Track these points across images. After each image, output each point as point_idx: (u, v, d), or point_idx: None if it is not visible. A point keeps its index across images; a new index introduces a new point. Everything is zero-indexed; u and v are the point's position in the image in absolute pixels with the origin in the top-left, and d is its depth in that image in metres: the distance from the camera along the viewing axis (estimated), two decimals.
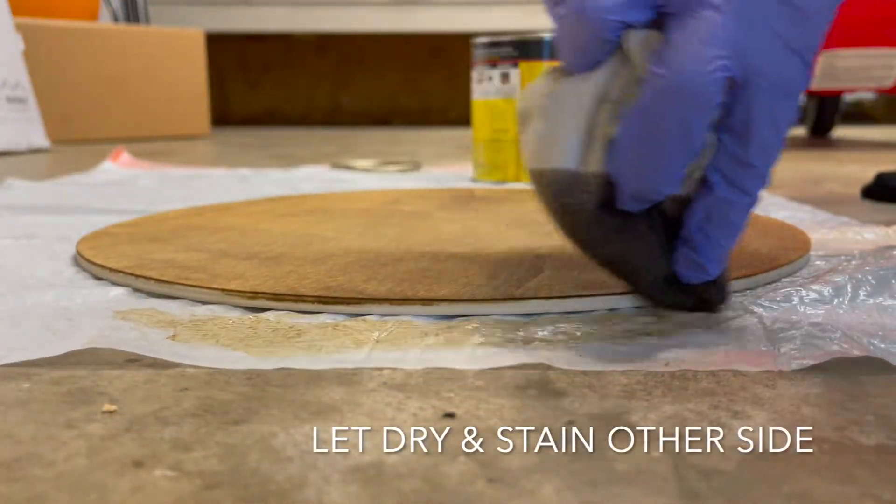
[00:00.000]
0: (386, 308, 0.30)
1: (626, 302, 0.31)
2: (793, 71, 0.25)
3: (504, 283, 0.32)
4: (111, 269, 0.36)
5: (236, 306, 0.32)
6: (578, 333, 0.28)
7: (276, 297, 0.31)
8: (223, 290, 0.32)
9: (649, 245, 0.27)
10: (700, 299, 0.29)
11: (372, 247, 0.40)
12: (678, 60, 0.24)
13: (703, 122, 0.24)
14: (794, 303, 0.31)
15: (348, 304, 0.30)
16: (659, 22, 0.25)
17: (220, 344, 0.27)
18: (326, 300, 0.31)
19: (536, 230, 0.45)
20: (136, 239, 0.44)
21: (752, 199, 0.26)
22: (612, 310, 0.30)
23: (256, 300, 0.31)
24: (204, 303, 0.32)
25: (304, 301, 0.31)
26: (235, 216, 0.52)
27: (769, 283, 0.35)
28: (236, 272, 0.35)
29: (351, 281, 0.33)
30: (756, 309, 0.30)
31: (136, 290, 0.34)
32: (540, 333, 0.28)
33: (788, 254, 0.38)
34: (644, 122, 0.25)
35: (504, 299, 0.30)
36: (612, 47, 0.26)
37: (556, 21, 0.26)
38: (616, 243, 0.27)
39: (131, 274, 0.35)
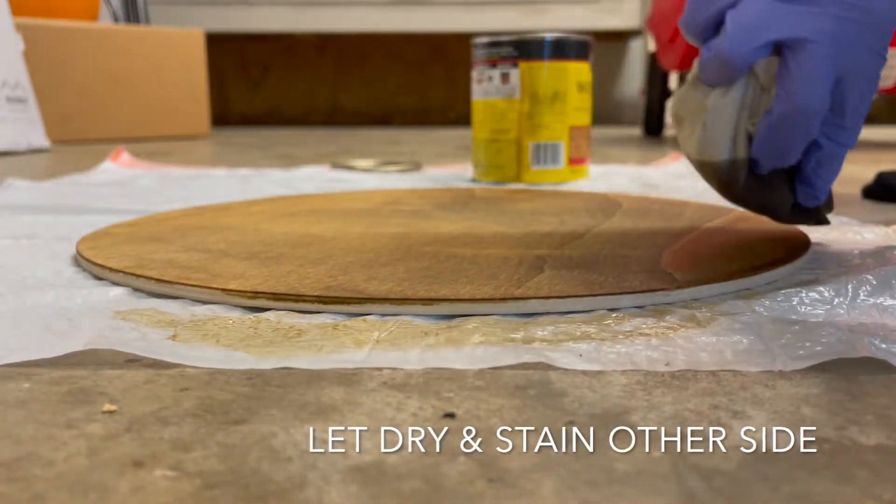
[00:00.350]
0: (386, 308, 0.30)
1: (626, 302, 0.31)
2: (873, 66, 0.34)
3: (504, 283, 0.32)
4: (111, 269, 0.36)
5: (236, 306, 0.32)
6: (578, 333, 0.28)
7: (277, 296, 0.31)
8: (223, 289, 0.32)
9: (781, 191, 0.39)
10: (816, 218, 0.40)
11: (372, 247, 0.40)
12: (797, 86, 0.34)
13: (817, 123, 0.34)
14: (794, 303, 0.31)
15: (348, 303, 0.30)
16: (776, 49, 0.35)
17: (220, 344, 0.27)
18: (326, 300, 0.31)
19: (536, 230, 0.45)
20: (136, 239, 0.44)
21: (847, 148, 0.36)
22: (611, 310, 0.30)
23: (257, 300, 0.31)
24: (204, 303, 0.32)
25: (304, 301, 0.31)
26: (235, 216, 0.52)
27: (769, 283, 0.35)
28: (236, 272, 0.35)
29: (351, 281, 0.33)
30: (756, 309, 0.30)
31: (137, 289, 0.34)
32: (540, 333, 0.28)
33: (788, 254, 0.38)
34: (777, 130, 0.35)
35: (504, 299, 0.30)
36: (743, 73, 0.36)
37: (704, 63, 0.36)
38: (761, 195, 0.39)
39: (131, 274, 0.35)
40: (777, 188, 0.39)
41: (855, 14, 0.33)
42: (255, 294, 0.31)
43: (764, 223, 0.48)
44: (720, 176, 0.39)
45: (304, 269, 0.35)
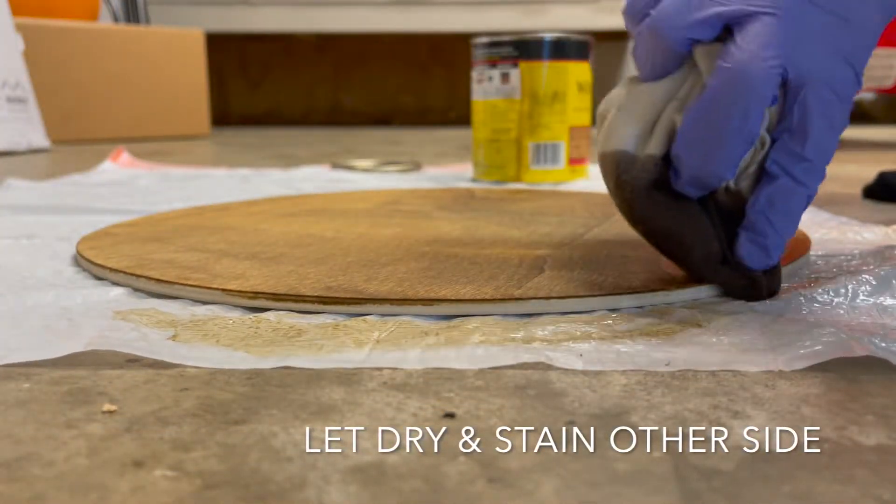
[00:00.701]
0: (387, 308, 0.30)
1: (626, 302, 0.31)
2: (844, 76, 0.28)
3: (504, 283, 0.32)
4: (111, 269, 0.36)
5: (237, 306, 0.32)
6: (578, 333, 0.28)
7: (277, 297, 0.31)
8: (223, 290, 0.32)
9: (701, 225, 0.30)
10: (752, 283, 0.31)
11: (372, 247, 0.40)
12: (741, 56, 0.27)
13: (759, 110, 0.28)
14: (794, 303, 0.31)
15: (349, 304, 0.30)
16: (723, 38, 0.29)
17: (220, 344, 0.27)
18: (327, 300, 0.31)
19: (536, 230, 0.45)
20: (136, 239, 0.44)
21: (810, 191, 0.29)
22: (612, 310, 0.30)
23: (257, 300, 0.31)
24: (204, 303, 0.32)
25: (304, 301, 0.31)
26: (235, 216, 0.52)
27: None
28: (237, 272, 0.35)
29: (351, 281, 0.33)
30: (756, 309, 0.30)
31: (137, 289, 0.34)
32: (540, 333, 0.28)
33: (789, 254, 0.38)
34: (708, 108, 0.28)
35: (504, 299, 0.30)
36: (682, 61, 0.30)
37: (636, 38, 0.30)
38: (666, 220, 0.30)
39: (132, 274, 0.35)
40: (697, 219, 0.30)
41: (829, 8, 0.27)
42: (256, 294, 0.31)
43: None
44: (615, 172, 0.31)
45: (304, 269, 0.35)
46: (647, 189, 0.30)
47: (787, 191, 0.29)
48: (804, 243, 0.41)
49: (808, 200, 0.29)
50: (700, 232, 0.30)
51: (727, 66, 0.27)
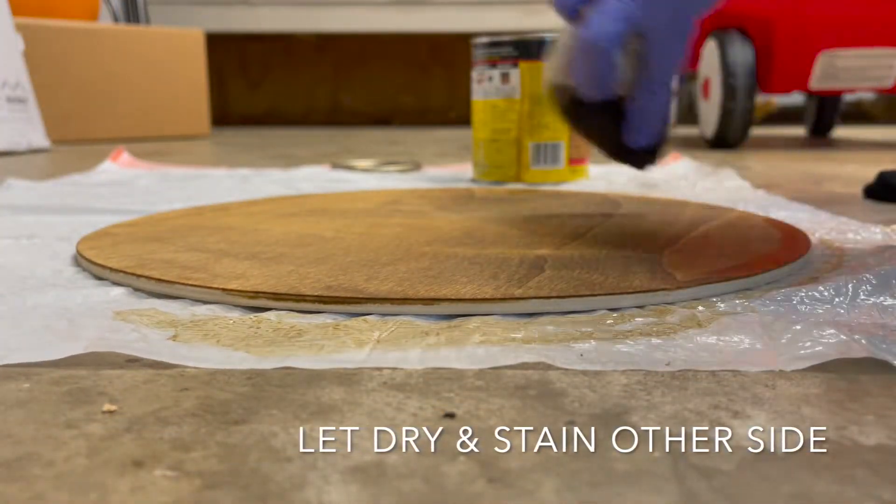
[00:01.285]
0: (387, 308, 0.30)
1: (626, 301, 0.31)
2: (679, 22, 0.39)
3: (505, 283, 0.32)
4: (112, 269, 0.36)
5: (237, 306, 0.32)
6: (579, 333, 0.28)
7: (277, 296, 0.31)
8: (224, 289, 0.32)
9: (606, 125, 0.42)
10: (642, 161, 0.43)
11: (372, 247, 0.40)
12: (588, 28, 0.38)
13: (608, 64, 0.38)
14: (794, 303, 0.31)
15: (349, 303, 0.30)
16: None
17: (221, 344, 0.27)
18: (327, 300, 0.31)
19: (537, 230, 0.45)
20: (136, 239, 0.44)
21: (663, 99, 0.41)
22: (612, 309, 0.30)
23: (257, 300, 0.31)
24: (205, 302, 0.32)
25: (304, 301, 0.31)
26: (236, 216, 0.52)
27: (769, 283, 0.35)
28: (237, 272, 0.35)
29: (351, 280, 0.33)
30: (757, 308, 0.30)
31: (137, 289, 0.34)
32: (540, 333, 0.28)
33: (789, 254, 0.38)
34: (578, 52, 0.39)
35: (505, 299, 0.30)
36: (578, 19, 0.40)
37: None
38: (584, 125, 0.44)
39: (132, 273, 0.35)
40: (603, 120, 0.43)
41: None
42: (256, 294, 0.31)
43: (764, 224, 0.48)
44: (554, 95, 0.44)
45: (305, 268, 0.35)
46: (568, 106, 0.43)
47: (647, 97, 0.41)
48: (804, 243, 0.41)
49: (663, 105, 0.41)
50: (606, 130, 0.42)
51: (583, 36, 0.38)
